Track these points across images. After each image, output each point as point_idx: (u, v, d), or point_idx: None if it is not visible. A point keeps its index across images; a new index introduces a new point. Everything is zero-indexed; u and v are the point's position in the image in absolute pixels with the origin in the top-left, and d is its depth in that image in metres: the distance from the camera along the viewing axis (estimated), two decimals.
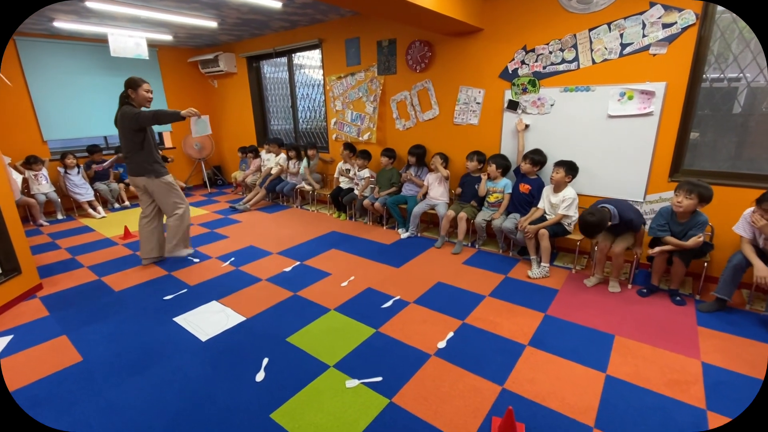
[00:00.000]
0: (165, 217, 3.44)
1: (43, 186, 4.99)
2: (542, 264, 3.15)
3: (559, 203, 3.16)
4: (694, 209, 2.55)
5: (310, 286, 3.03)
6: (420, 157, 4.15)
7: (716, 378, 1.95)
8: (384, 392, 1.89)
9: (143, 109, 3.13)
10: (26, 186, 4.90)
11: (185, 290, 3.03)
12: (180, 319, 2.61)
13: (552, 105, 3.35)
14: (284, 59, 5.66)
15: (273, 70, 6.03)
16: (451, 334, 2.36)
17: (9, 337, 2.45)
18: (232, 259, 3.63)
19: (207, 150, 6.71)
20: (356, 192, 4.60)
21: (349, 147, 4.74)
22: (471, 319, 2.52)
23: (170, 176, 3.36)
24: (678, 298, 2.68)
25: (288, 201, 5.73)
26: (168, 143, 6.66)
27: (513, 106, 3.55)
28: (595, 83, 3.11)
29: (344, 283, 3.06)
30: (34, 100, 5.06)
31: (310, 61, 5.44)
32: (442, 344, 2.25)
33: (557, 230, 3.15)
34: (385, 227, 4.43)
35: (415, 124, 4.31)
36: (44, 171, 5.04)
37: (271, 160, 5.67)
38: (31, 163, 4.89)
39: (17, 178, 4.29)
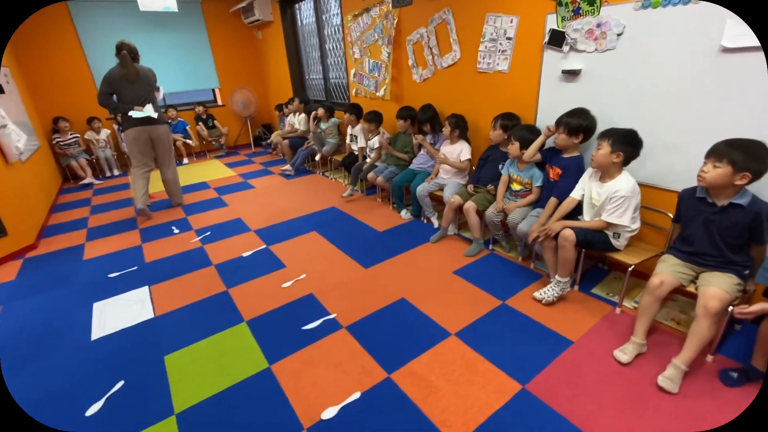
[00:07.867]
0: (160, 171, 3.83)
1: (105, 147, 5.42)
2: (557, 278, 2.06)
3: (605, 200, 1.95)
4: None
5: (248, 282, 2.51)
6: (432, 121, 3.13)
7: None
8: None
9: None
10: (88, 146, 5.34)
11: (135, 267, 2.80)
12: (98, 306, 2.37)
13: (619, 35, 2.01)
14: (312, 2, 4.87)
15: (308, 15, 5.31)
16: (356, 395, 1.60)
17: None
18: (207, 233, 3.31)
19: (251, 108, 6.50)
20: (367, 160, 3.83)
21: (352, 109, 3.92)
22: (398, 375, 1.69)
23: None
24: None
25: (315, 166, 5.21)
26: (219, 101, 6.65)
27: (557, 39, 2.27)
28: None
29: (287, 284, 2.46)
30: (89, 61, 5.34)
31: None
32: (328, 414, 1.53)
33: (594, 239, 1.98)
34: (391, 206, 3.61)
35: (434, 73, 3.23)
36: (104, 132, 5.41)
37: (301, 122, 5.16)
38: (92, 122, 5.28)
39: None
